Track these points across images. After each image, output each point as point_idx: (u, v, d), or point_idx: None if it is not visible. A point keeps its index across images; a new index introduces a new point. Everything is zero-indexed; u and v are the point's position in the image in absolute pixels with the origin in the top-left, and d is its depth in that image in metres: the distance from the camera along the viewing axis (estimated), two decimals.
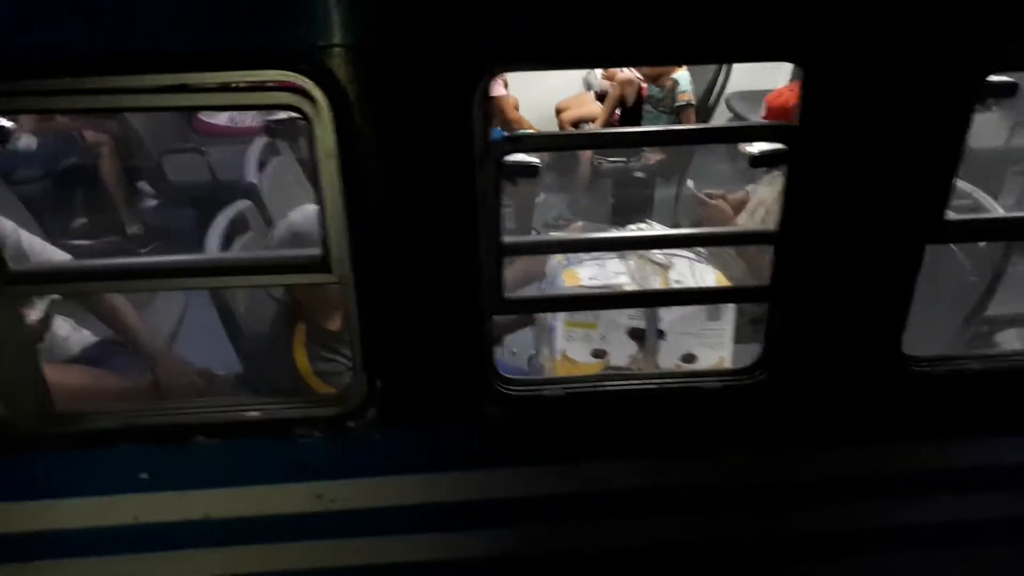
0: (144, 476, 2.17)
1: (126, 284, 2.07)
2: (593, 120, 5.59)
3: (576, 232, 3.54)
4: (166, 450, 2.16)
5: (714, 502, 2.37)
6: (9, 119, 1.84)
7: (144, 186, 5.54)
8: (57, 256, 2.73)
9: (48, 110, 1.81)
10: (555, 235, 3.28)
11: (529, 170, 1.95)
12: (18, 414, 2.06)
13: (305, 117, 1.77)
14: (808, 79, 1.82)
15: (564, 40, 1.75)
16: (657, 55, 1.81)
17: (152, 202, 5.57)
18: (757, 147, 2.04)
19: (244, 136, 5.49)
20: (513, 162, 1.88)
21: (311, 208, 2.51)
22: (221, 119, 5.60)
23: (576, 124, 5.71)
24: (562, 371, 2.65)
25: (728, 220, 3.23)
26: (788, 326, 2.11)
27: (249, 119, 5.52)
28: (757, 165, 2.10)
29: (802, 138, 1.87)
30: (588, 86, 6.06)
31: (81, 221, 5.29)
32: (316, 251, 1.95)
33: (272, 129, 4.02)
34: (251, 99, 1.84)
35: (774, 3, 1.74)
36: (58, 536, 2.23)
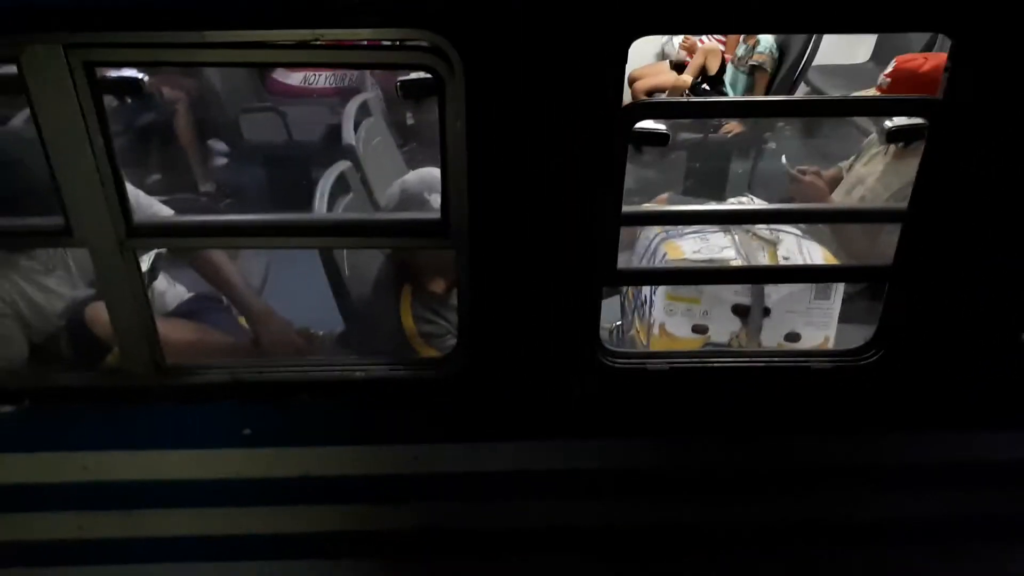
0: (248, 432, 2.21)
1: (247, 240, 2.08)
2: (668, 89, 5.51)
3: (662, 204, 3.47)
4: (270, 407, 2.19)
5: (818, 483, 2.34)
6: (143, 72, 1.83)
7: (215, 143, 5.56)
8: (163, 211, 2.75)
9: (186, 63, 1.80)
10: (661, 207, 3.19)
11: (659, 138, 1.90)
12: (133, 365, 2.10)
13: (438, 77, 1.74)
14: (957, 50, 1.74)
15: (707, 5, 1.70)
16: (798, 22, 1.75)
17: (222, 160, 5.60)
18: (893, 121, 1.97)
19: (317, 97, 5.51)
20: (643, 130, 1.84)
21: (426, 171, 2.49)
22: (295, 79, 5.57)
23: (650, 93, 5.63)
24: (659, 345, 2.62)
25: (823, 197, 3.14)
26: (908, 307, 2.06)
27: (323, 80, 5.51)
28: (893, 140, 2.02)
29: (945, 113, 1.80)
30: (663, 55, 5.96)
31: (155, 177, 5.34)
32: (435, 215, 1.94)
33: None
34: (384, 58, 1.82)
35: None
36: (163, 486, 2.28)
